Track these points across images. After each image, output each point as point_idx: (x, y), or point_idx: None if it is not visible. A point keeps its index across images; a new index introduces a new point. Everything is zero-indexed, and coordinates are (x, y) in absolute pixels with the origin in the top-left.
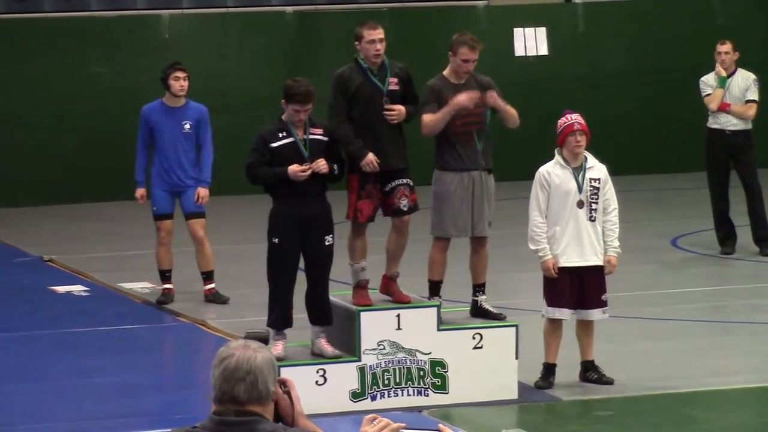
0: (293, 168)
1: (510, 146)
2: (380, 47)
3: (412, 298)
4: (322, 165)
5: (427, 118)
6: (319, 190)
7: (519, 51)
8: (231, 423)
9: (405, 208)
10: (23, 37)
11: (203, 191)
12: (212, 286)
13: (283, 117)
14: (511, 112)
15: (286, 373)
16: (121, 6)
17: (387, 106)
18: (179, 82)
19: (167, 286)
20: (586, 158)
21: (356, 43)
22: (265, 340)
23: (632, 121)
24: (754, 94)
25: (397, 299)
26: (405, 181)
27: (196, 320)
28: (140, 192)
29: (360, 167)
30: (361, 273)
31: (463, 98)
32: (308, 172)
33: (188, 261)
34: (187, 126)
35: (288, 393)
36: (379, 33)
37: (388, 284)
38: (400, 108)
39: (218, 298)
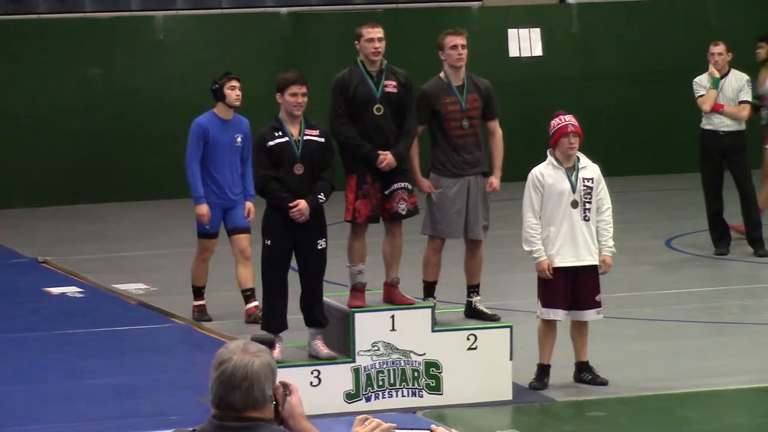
0: (293, 212)
1: (503, 148)
2: (379, 46)
3: (414, 301)
4: (303, 209)
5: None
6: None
7: (513, 52)
8: (231, 428)
9: (404, 212)
10: (17, 38)
11: (251, 205)
12: (257, 303)
13: (279, 115)
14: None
15: (280, 374)
16: (116, 7)
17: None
18: (235, 92)
19: (201, 302)
20: (578, 158)
21: (356, 42)
22: (270, 343)
23: (626, 121)
24: (747, 95)
25: (400, 303)
26: (403, 184)
27: (191, 321)
28: (206, 208)
29: (357, 168)
30: (358, 276)
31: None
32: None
33: (184, 263)
34: (239, 139)
35: (290, 396)
36: (377, 32)
37: (389, 291)
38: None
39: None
